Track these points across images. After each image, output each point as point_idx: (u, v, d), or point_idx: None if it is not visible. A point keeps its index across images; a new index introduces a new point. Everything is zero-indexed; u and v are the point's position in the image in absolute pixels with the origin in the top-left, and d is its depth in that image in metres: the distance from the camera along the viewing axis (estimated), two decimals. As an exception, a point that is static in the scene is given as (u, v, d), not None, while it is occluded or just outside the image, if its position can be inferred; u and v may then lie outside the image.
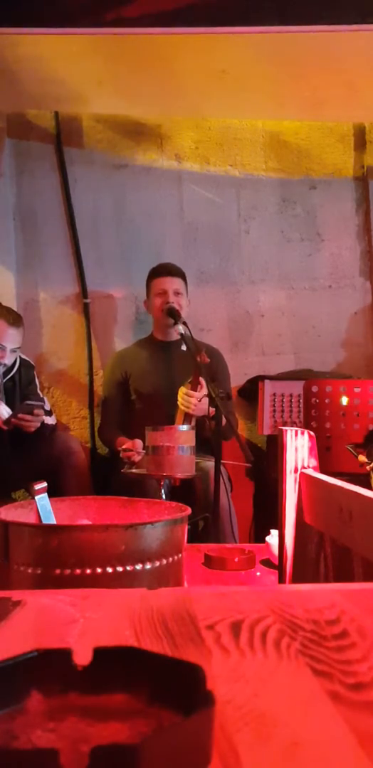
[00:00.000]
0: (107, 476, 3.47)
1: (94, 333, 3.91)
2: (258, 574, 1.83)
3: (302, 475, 1.34)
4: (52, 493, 1.47)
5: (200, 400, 2.88)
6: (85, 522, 1.45)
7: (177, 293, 3.44)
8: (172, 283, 3.45)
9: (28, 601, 0.75)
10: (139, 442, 3.06)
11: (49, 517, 1.39)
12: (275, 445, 1.42)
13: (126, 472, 2.86)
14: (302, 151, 4.06)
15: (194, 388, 2.89)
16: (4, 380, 3.28)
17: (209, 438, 2.95)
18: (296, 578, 1.36)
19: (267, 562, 1.96)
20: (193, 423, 2.82)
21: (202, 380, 2.87)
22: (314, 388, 2.82)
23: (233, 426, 3.05)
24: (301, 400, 3.24)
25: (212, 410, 2.72)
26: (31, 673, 0.47)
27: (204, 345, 3.34)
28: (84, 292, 3.89)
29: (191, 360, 2.90)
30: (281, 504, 1.36)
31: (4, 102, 3.71)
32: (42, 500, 1.39)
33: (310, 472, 1.34)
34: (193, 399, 2.88)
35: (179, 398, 2.95)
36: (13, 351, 3.28)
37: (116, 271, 3.93)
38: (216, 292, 4.00)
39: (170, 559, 1.24)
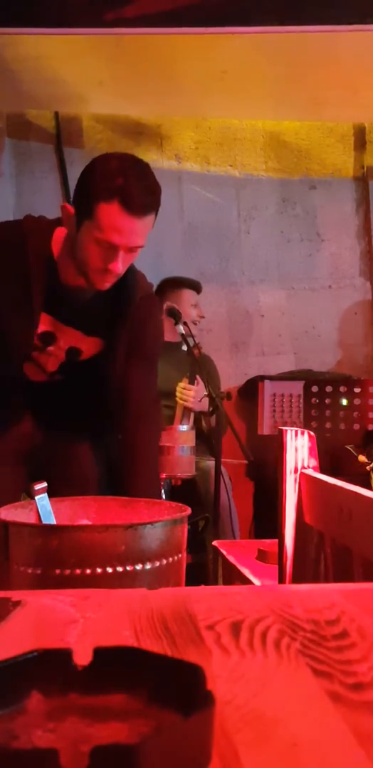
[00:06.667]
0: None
1: (94, 333, 3.91)
2: None
3: (302, 475, 1.34)
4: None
5: (200, 400, 2.89)
6: (85, 522, 1.44)
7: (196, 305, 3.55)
8: (195, 297, 3.55)
9: (28, 601, 0.75)
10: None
11: (49, 517, 1.39)
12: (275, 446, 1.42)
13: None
14: (301, 151, 4.06)
15: (191, 383, 2.92)
16: None
17: (206, 434, 2.97)
18: (296, 578, 1.36)
19: None
20: (191, 419, 2.83)
21: (198, 376, 2.90)
22: (314, 388, 2.82)
23: (229, 421, 3.09)
24: (301, 400, 3.24)
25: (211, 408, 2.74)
26: (31, 673, 0.47)
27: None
28: (84, 292, 3.88)
29: (190, 357, 2.92)
30: (281, 504, 1.36)
31: (4, 102, 3.71)
32: (42, 500, 1.39)
33: (310, 472, 1.33)
34: (191, 392, 2.90)
35: (178, 393, 2.96)
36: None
37: (116, 272, 3.93)
38: (216, 292, 4.00)
39: (170, 559, 1.24)
